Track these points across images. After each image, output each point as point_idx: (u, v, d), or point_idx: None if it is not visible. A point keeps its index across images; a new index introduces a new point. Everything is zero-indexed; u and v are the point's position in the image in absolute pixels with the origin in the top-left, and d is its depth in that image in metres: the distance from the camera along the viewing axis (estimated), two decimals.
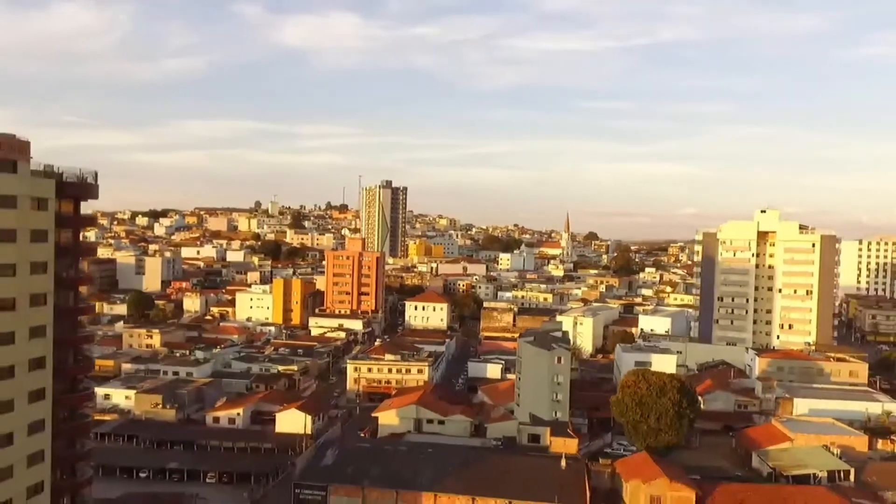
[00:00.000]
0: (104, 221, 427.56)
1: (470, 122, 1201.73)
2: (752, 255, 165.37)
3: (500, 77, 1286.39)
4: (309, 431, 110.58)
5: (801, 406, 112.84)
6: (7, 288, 53.04)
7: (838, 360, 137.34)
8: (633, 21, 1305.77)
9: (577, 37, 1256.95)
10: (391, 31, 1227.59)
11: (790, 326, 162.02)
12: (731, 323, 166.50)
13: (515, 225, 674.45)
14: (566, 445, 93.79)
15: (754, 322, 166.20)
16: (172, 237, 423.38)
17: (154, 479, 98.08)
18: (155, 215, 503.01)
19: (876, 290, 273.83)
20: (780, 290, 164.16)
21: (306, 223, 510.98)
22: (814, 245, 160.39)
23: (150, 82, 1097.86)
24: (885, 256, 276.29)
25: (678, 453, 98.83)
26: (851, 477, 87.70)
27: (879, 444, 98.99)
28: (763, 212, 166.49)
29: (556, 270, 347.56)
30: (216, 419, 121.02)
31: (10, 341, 53.54)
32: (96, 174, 62.67)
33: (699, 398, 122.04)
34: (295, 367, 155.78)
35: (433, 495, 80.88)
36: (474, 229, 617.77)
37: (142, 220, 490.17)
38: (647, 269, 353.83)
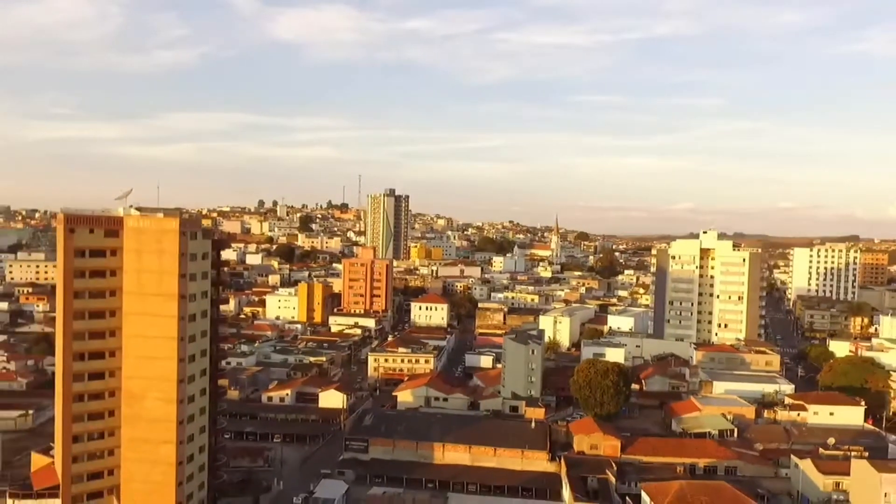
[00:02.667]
0: None
1: (463, 117, 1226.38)
2: (696, 267, 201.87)
3: (494, 71, 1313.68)
4: (345, 406, 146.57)
5: (719, 387, 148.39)
6: (193, 307, 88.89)
7: (758, 352, 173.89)
8: (626, 15, 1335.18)
9: (571, 31, 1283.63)
10: (385, 24, 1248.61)
11: (726, 325, 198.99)
12: (680, 322, 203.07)
13: (510, 221, 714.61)
14: (536, 413, 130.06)
15: (698, 321, 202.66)
16: None
17: (235, 439, 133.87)
18: None
19: (823, 291, 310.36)
20: (717, 296, 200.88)
21: (313, 226, 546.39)
22: (744, 260, 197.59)
23: (141, 74, 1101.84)
24: (832, 262, 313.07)
25: (619, 420, 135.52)
26: (735, 435, 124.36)
27: (765, 413, 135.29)
28: (705, 232, 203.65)
29: (545, 272, 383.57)
30: (270, 398, 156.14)
31: (193, 339, 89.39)
32: (230, 235, 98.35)
33: (643, 381, 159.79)
34: (324, 358, 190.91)
35: (442, 445, 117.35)
36: (470, 229, 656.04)
37: None
38: (627, 272, 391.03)
